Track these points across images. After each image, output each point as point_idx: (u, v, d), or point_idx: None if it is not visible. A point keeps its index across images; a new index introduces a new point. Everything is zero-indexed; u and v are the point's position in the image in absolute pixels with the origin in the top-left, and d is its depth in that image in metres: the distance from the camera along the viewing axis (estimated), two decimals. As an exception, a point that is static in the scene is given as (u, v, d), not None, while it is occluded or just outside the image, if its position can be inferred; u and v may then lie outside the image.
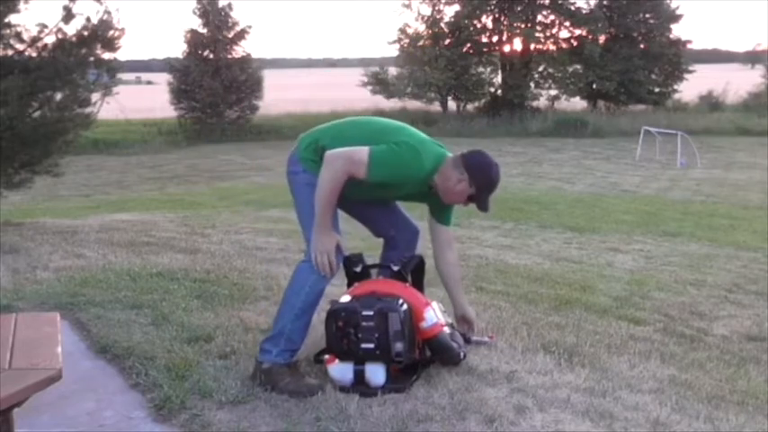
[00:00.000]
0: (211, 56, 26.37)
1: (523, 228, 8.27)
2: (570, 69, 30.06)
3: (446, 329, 2.90)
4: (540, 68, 30.63)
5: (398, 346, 2.69)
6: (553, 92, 30.73)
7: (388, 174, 2.72)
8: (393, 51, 32.02)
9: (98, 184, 15.64)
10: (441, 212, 3.07)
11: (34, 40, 6.34)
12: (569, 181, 14.89)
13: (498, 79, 30.86)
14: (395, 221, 3.13)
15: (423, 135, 2.91)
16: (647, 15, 29.60)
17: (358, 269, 2.97)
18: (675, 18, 30.00)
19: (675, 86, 30.35)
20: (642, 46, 29.77)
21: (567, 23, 29.78)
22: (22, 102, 6.04)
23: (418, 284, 2.99)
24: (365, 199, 3.00)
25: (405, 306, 2.74)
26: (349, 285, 2.99)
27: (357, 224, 3.19)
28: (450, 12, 30.05)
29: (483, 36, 30.24)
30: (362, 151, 2.69)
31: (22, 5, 6.25)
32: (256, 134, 25.72)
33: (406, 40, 30.68)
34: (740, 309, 4.86)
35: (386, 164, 2.70)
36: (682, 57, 30.35)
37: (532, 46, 30.02)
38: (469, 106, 31.00)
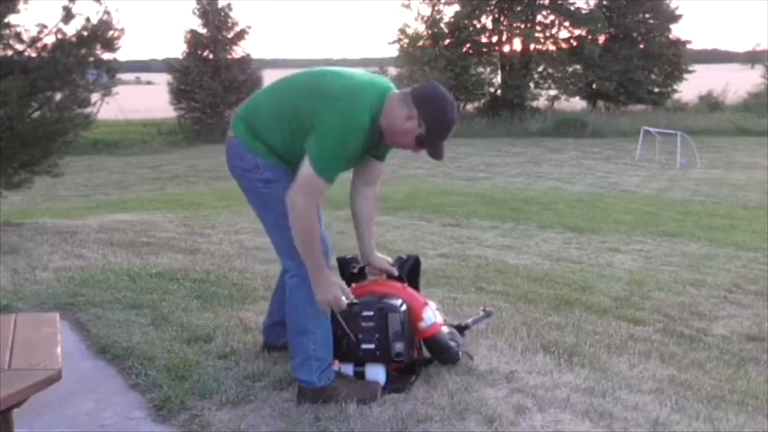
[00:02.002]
0: (211, 56, 26.37)
1: (523, 228, 8.27)
2: (570, 69, 30.06)
3: (444, 329, 2.90)
4: (540, 68, 30.62)
5: (398, 346, 2.69)
6: (553, 92, 30.72)
7: (340, 159, 2.40)
8: (393, 51, 32.04)
9: (98, 185, 15.63)
10: (381, 151, 2.71)
11: (34, 41, 6.34)
12: (569, 181, 14.88)
13: (498, 79, 30.86)
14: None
15: (353, 80, 2.48)
16: (647, 15, 29.60)
17: (354, 270, 2.97)
18: (675, 18, 30.00)
19: (675, 86, 30.34)
20: (642, 46, 29.77)
21: (567, 23, 29.78)
22: (22, 102, 6.04)
23: (414, 285, 2.99)
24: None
25: (404, 306, 2.74)
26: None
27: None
28: (449, 12, 30.09)
29: (483, 36, 30.24)
30: (306, 171, 2.36)
31: (21, 5, 6.26)
32: (256, 134, 25.72)
33: (406, 41, 30.69)
34: (740, 309, 4.87)
35: (329, 157, 2.38)
36: (681, 57, 30.35)
37: (532, 46, 30.02)
38: (469, 106, 30.99)
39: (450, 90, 2.59)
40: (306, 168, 2.36)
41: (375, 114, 2.42)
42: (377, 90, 2.47)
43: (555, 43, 30.33)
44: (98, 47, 6.48)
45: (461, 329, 3.09)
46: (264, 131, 2.50)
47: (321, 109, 2.39)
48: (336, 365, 2.73)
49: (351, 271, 2.98)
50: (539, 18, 29.95)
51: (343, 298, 2.57)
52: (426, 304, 2.88)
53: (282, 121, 2.47)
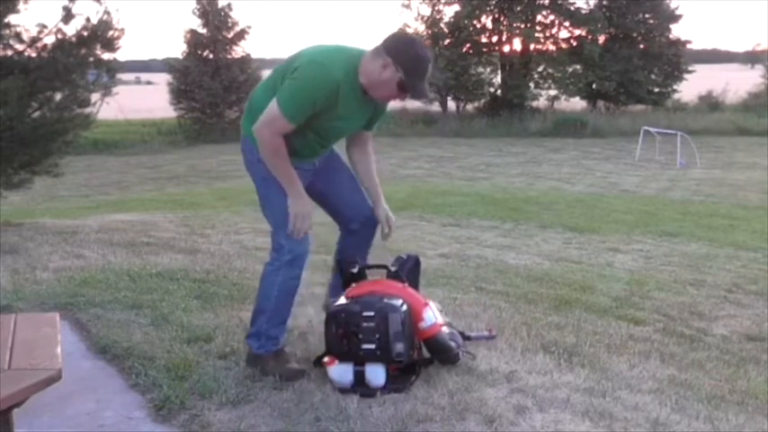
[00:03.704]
0: (211, 56, 26.37)
1: (523, 228, 8.27)
2: (570, 69, 30.06)
3: (444, 329, 2.90)
4: (540, 68, 30.63)
5: (399, 346, 2.69)
6: (553, 92, 30.73)
7: (305, 103, 2.57)
8: (393, 51, 31.99)
9: (98, 185, 15.63)
10: (370, 122, 2.89)
11: (34, 41, 6.34)
12: (569, 181, 14.88)
13: (498, 79, 30.87)
14: (349, 204, 3.00)
15: (329, 46, 2.72)
16: (647, 15, 29.62)
17: (354, 270, 2.97)
18: (675, 18, 30.02)
19: (675, 86, 30.36)
20: (642, 46, 29.79)
21: (567, 23, 29.80)
22: (22, 102, 6.04)
23: (414, 285, 2.99)
24: (324, 155, 2.90)
25: (404, 306, 2.74)
26: (345, 286, 2.99)
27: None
28: (449, 12, 30.11)
29: (483, 36, 30.25)
30: (271, 107, 2.58)
31: (21, 5, 6.25)
32: (256, 134, 25.72)
33: (406, 41, 30.68)
34: (740, 309, 4.86)
35: (295, 98, 2.56)
36: (681, 57, 30.37)
37: (532, 46, 30.03)
38: (469, 106, 31.00)
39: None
40: (271, 106, 2.59)
41: (349, 72, 2.59)
42: (349, 51, 2.67)
43: (555, 43, 30.35)
44: (98, 47, 6.47)
45: (463, 338, 3.10)
46: (260, 110, 2.66)
47: (299, 64, 2.60)
48: (334, 364, 2.74)
49: (351, 271, 2.98)
50: (539, 18, 29.96)
51: (308, 222, 2.74)
52: (427, 304, 2.88)
53: (269, 92, 2.66)
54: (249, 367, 2.91)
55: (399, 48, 2.58)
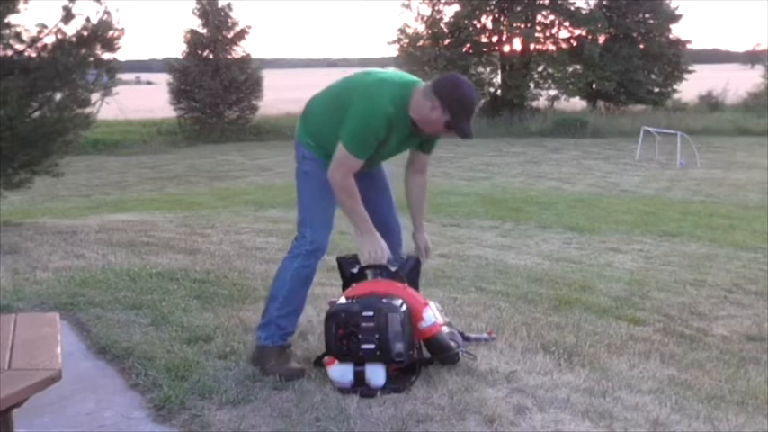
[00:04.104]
0: (211, 56, 26.32)
1: (523, 228, 8.26)
2: (570, 69, 30.01)
3: (444, 329, 2.90)
4: (540, 69, 30.58)
5: (399, 346, 2.69)
6: (553, 92, 30.67)
7: (368, 138, 2.77)
8: (393, 51, 31.96)
9: (97, 185, 15.61)
10: (425, 145, 3.07)
11: (34, 41, 6.33)
12: (569, 181, 14.87)
13: (498, 79, 30.82)
14: (382, 224, 3.08)
15: (389, 76, 2.90)
16: (647, 15, 29.56)
17: (354, 270, 2.97)
18: (675, 18, 29.96)
19: (675, 86, 30.29)
20: (642, 46, 29.73)
21: (567, 24, 29.74)
22: (22, 102, 6.04)
23: (413, 285, 2.99)
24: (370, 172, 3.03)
25: (404, 306, 2.74)
26: (345, 287, 2.99)
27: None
28: (449, 12, 30.02)
29: (483, 36, 30.19)
30: (339, 151, 2.77)
31: (21, 5, 6.24)
32: (256, 134, 25.69)
33: (406, 41, 30.64)
34: (740, 309, 4.87)
35: (357, 136, 2.76)
36: (681, 57, 30.30)
37: (532, 46, 29.98)
38: (469, 106, 30.95)
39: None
40: (338, 148, 2.78)
41: (399, 105, 2.76)
42: (401, 84, 2.83)
43: (555, 43, 30.30)
44: (98, 47, 6.46)
45: (463, 339, 3.10)
46: (317, 126, 2.94)
47: (354, 99, 2.79)
48: (334, 364, 2.74)
49: (351, 271, 2.98)
50: (539, 18, 29.91)
51: (384, 252, 2.88)
52: (426, 304, 2.88)
53: (328, 112, 2.90)
54: (252, 365, 2.95)
55: (447, 91, 2.72)
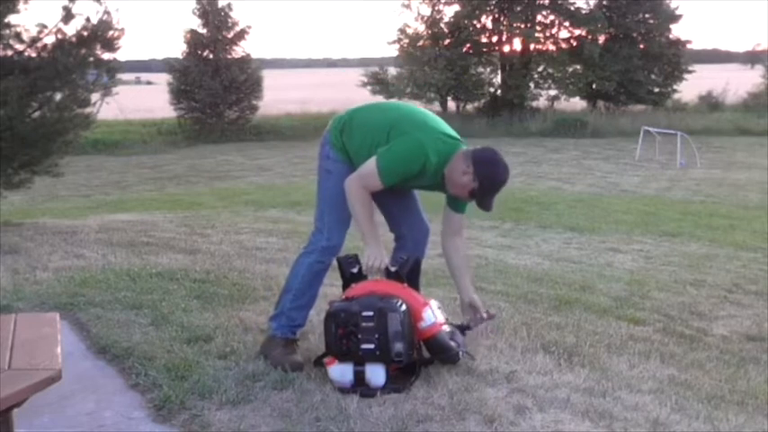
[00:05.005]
0: (211, 56, 26.31)
1: (523, 228, 8.26)
2: (570, 69, 30.00)
3: (446, 327, 2.90)
4: (540, 69, 30.56)
5: (398, 346, 2.69)
6: (553, 92, 30.66)
7: (400, 173, 2.87)
8: (393, 51, 31.95)
9: (98, 185, 15.60)
10: (456, 201, 3.11)
11: (34, 41, 6.33)
12: (569, 181, 14.87)
13: (498, 79, 30.80)
14: (407, 219, 3.21)
15: (440, 127, 2.98)
16: (647, 15, 29.55)
17: (354, 270, 2.97)
18: (675, 18, 29.95)
19: (675, 86, 30.28)
20: (642, 46, 29.71)
21: (567, 24, 29.73)
22: (22, 102, 6.03)
23: (413, 285, 2.99)
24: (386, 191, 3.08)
25: (404, 306, 2.74)
26: (345, 287, 2.99)
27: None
28: (449, 12, 30.00)
29: (483, 36, 30.18)
30: (371, 165, 2.85)
31: (21, 5, 6.24)
32: (256, 134, 25.68)
33: (406, 41, 30.63)
34: (740, 309, 4.86)
35: (394, 168, 2.85)
36: (681, 57, 30.29)
37: (532, 46, 29.97)
38: (469, 106, 30.93)
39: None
40: (370, 163, 2.85)
41: (441, 158, 2.86)
42: (450, 142, 2.93)
43: (555, 43, 30.29)
44: (98, 47, 6.46)
45: (462, 329, 3.09)
46: (353, 136, 3.00)
47: (405, 132, 2.88)
48: (334, 364, 2.74)
49: (351, 271, 2.98)
50: (539, 18, 29.90)
51: (386, 261, 2.92)
52: (426, 304, 2.88)
53: (370, 133, 2.95)
54: (260, 352, 3.04)
55: (485, 163, 2.83)
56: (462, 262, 3.22)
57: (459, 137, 3.01)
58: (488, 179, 2.82)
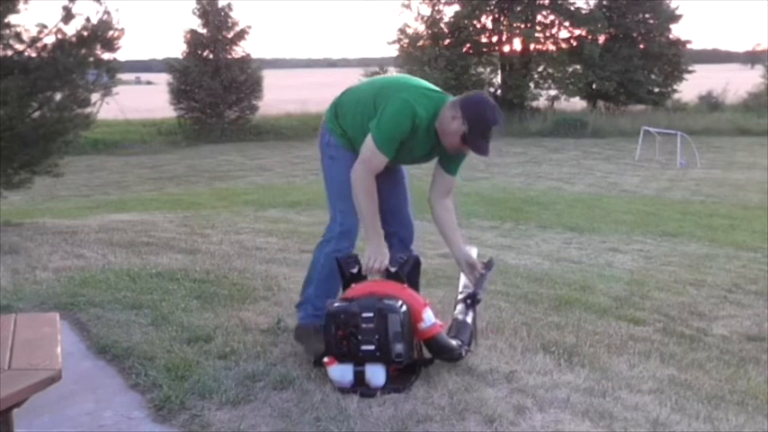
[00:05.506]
0: (211, 56, 26.32)
1: (523, 228, 8.27)
2: (570, 69, 30.01)
3: (460, 315, 2.90)
4: (540, 69, 30.57)
5: (398, 347, 2.69)
6: (553, 92, 30.66)
7: (396, 138, 2.86)
8: (393, 51, 31.97)
9: (98, 185, 15.61)
10: (449, 162, 3.10)
11: (34, 41, 6.33)
12: (569, 181, 14.88)
13: (498, 79, 30.82)
14: (395, 217, 3.19)
15: (423, 84, 3.00)
16: (647, 15, 29.56)
17: (354, 270, 2.97)
18: (675, 18, 29.96)
19: (675, 86, 30.28)
20: (642, 46, 29.72)
21: (567, 24, 29.74)
22: (22, 102, 6.03)
23: (413, 285, 2.99)
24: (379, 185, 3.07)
25: (404, 307, 2.74)
26: (345, 287, 2.99)
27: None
28: (449, 12, 30.01)
29: (483, 36, 30.19)
30: (368, 144, 2.87)
31: (21, 5, 6.24)
32: (256, 134, 25.69)
33: (406, 41, 30.64)
34: (740, 309, 4.87)
35: (389, 134, 2.85)
36: (681, 57, 30.29)
37: (532, 46, 29.98)
38: (469, 106, 30.93)
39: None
40: (367, 142, 2.88)
41: (430, 113, 2.86)
42: (434, 95, 2.94)
43: (555, 43, 30.30)
44: (98, 47, 6.46)
45: (473, 302, 3.10)
46: (345, 115, 3.04)
47: (389, 96, 2.89)
48: (334, 365, 2.74)
49: (351, 271, 2.98)
50: (539, 18, 29.91)
51: (386, 262, 2.90)
52: (426, 305, 2.88)
53: (359, 105, 2.99)
54: (296, 341, 3.13)
55: (471, 105, 2.83)
56: (453, 219, 3.19)
57: (443, 91, 3.00)
58: (477, 120, 2.80)
